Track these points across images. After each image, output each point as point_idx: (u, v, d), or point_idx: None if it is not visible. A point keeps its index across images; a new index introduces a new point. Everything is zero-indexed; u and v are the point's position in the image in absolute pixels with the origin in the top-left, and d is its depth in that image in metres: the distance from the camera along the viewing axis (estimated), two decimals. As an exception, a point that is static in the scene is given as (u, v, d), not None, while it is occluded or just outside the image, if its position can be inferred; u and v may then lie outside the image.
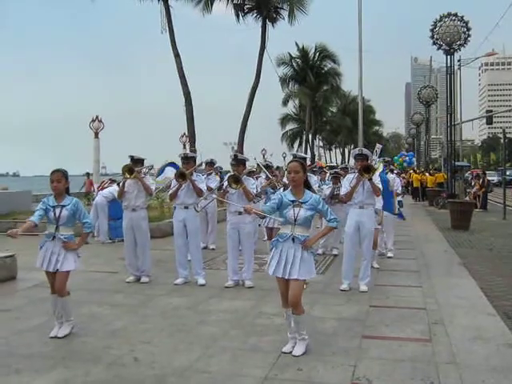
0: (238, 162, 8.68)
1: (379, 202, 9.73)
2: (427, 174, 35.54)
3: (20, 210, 15.99)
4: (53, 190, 6.15)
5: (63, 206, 6.08)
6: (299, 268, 5.42)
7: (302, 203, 5.49)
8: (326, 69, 51.03)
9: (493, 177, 49.92)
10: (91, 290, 8.42)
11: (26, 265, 9.15)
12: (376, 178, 8.52)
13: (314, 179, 11.97)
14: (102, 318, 6.93)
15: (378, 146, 9.81)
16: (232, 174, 8.48)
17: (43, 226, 6.25)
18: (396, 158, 47.73)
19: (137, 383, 4.85)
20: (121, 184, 9.31)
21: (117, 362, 5.36)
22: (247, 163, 9.15)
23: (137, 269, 9.22)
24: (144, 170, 9.41)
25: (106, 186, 15.32)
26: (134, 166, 9.13)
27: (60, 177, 6.12)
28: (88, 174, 28.21)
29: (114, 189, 13.72)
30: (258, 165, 12.22)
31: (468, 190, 29.20)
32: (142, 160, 9.43)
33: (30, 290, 8.53)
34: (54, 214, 6.07)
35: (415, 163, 48.83)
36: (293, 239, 5.47)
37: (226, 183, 8.52)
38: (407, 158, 47.33)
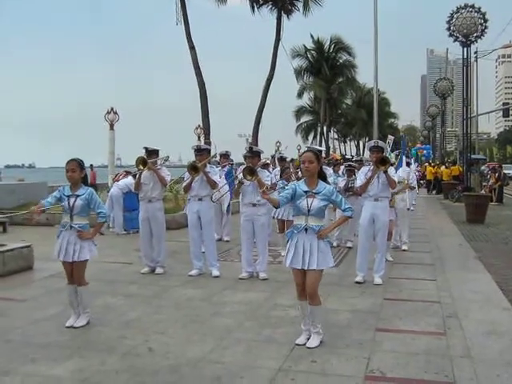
0: (254, 154, 8.69)
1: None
2: (443, 166, 35.34)
3: (36, 201, 16.04)
4: (68, 179, 6.20)
5: (77, 196, 6.13)
6: (317, 258, 5.42)
7: (315, 194, 5.48)
8: (341, 61, 50.79)
9: (509, 170, 49.59)
10: (106, 281, 8.48)
11: (43, 255, 9.24)
12: (391, 171, 8.50)
13: (329, 171, 11.95)
14: (117, 309, 6.98)
15: (390, 138, 9.80)
16: (247, 165, 8.49)
17: (59, 218, 6.33)
18: (413, 151, 47.46)
19: (151, 373, 4.88)
20: (137, 176, 9.35)
21: (131, 352, 5.41)
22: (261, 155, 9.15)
23: (152, 260, 9.27)
24: (159, 161, 9.43)
25: (121, 177, 15.37)
26: (149, 157, 9.15)
27: (75, 166, 6.15)
28: (92, 166, 27.92)
29: (129, 181, 13.75)
30: (271, 157, 12.25)
31: (484, 184, 29.00)
32: (157, 151, 9.43)
33: (47, 279, 8.61)
34: (69, 203, 6.12)
35: (432, 156, 48.58)
36: (306, 230, 5.47)
37: (240, 175, 8.53)
38: (425, 151, 47.10)
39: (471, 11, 26.16)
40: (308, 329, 5.64)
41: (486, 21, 26.05)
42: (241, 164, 11.10)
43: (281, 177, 10.92)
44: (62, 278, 6.48)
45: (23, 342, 5.69)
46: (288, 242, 5.64)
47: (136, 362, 5.15)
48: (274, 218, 11.51)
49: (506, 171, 30.91)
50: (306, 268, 5.44)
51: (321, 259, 5.45)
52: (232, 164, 13.77)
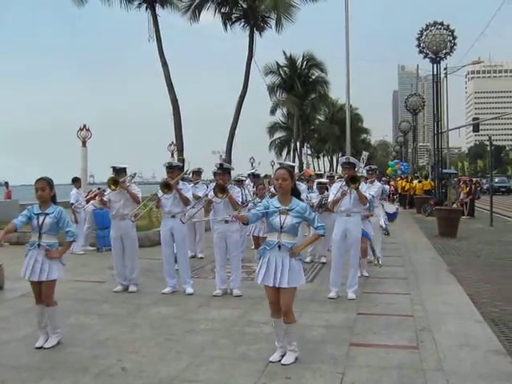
0: (224, 170, 8.70)
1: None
2: (415, 181, 35.64)
3: (7, 219, 15.81)
4: (37, 198, 6.14)
5: (47, 214, 6.07)
6: (288, 276, 5.41)
7: (288, 211, 5.49)
8: (313, 77, 51.11)
9: (484, 184, 50.57)
10: (79, 300, 8.38)
11: (13, 275, 9.08)
12: (362, 186, 8.56)
13: (302, 187, 11.99)
14: (90, 328, 6.90)
15: (365, 154, 9.88)
16: (217, 183, 8.49)
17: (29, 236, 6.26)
18: (392, 163, 47.88)
19: (124, 393, 4.83)
20: (104, 197, 9.29)
21: (105, 372, 5.34)
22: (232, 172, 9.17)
23: (124, 278, 9.19)
24: (128, 178, 9.39)
25: (93, 195, 15.23)
26: (117, 176, 9.11)
27: (44, 185, 6.10)
28: (7, 184, 26.66)
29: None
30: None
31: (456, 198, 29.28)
32: (125, 169, 9.37)
33: (17, 300, 8.48)
34: (38, 221, 6.06)
35: (408, 172, 49.13)
36: (279, 247, 5.47)
37: (210, 193, 8.53)
38: (402, 166, 47.72)
39: (440, 28, 26.59)
40: (282, 346, 5.62)
41: (454, 38, 26.48)
42: (212, 181, 11.09)
43: (255, 194, 10.95)
44: (33, 297, 6.37)
45: (-7, 364, 5.59)
46: (260, 258, 5.63)
47: (109, 382, 5.09)
48: (248, 235, 11.53)
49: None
50: (277, 286, 5.44)
51: (292, 277, 5.44)
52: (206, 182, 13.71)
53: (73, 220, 13.84)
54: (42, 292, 6.11)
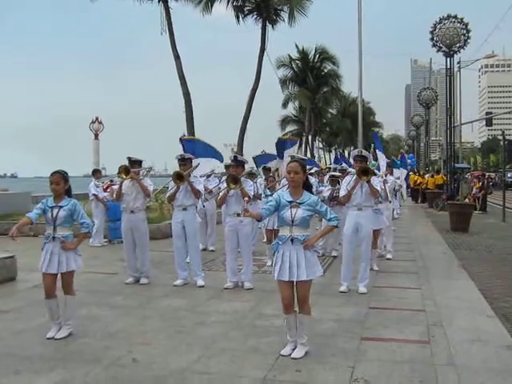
0: (238, 163, 8.69)
1: None
2: (428, 175, 35.48)
3: (20, 211, 15.96)
4: (52, 191, 6.17)
5: (61, 207, 6.11)
6: (306, 269, 5.41)
7: (299, 204, 5.47)
8: (325, 71, 50.96)
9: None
10: (90, 291, 8.42)
11: (26, 266, 9.18)
12: (374, 180, 8.53)
13: (312, 180, 11.96)
14: (101, 319, 6.93)
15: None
16: (230, 173, 8.48)
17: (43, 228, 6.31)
18: (398, 162, 47.56)
19: (136, 384, 4.85)
20: (118, 186, 9.32)
21: (116, 363, 5.37)
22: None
23: (136, 270, 9.23)
24: (142, 171, 9.40)
25: (105, 187, 15.31)
26: (132, 167, 9.12)
27: (59, 179, 6.13)
28: None
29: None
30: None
31: (467, 192, 29.09)
32: (140, 161, 9.39)
33: (30, 291, 8.53)
34: (52, 214, 6.09)
35: (416, 165, 48.87)
36: (291, 240, 5.46)
37: (222, 185, 8.54)
38: (409, 160, 47.46)
39: (454, 22, 26.41)
40: (294, 340, 5.62)
41: (468, 31, 26.29)
42: (224, 174, 11.10)
43: (265, 186, 10.95)
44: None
45: (6, 354, 5.63)
46: (274, 253, 5.62)
47: (120, 373, 5.12)
48: (260, 228, 11.51)
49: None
50: (294, 280, 5.43)
51: (309, 270, 5.43)
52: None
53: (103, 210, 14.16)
54: (62, 282, 6.19)
